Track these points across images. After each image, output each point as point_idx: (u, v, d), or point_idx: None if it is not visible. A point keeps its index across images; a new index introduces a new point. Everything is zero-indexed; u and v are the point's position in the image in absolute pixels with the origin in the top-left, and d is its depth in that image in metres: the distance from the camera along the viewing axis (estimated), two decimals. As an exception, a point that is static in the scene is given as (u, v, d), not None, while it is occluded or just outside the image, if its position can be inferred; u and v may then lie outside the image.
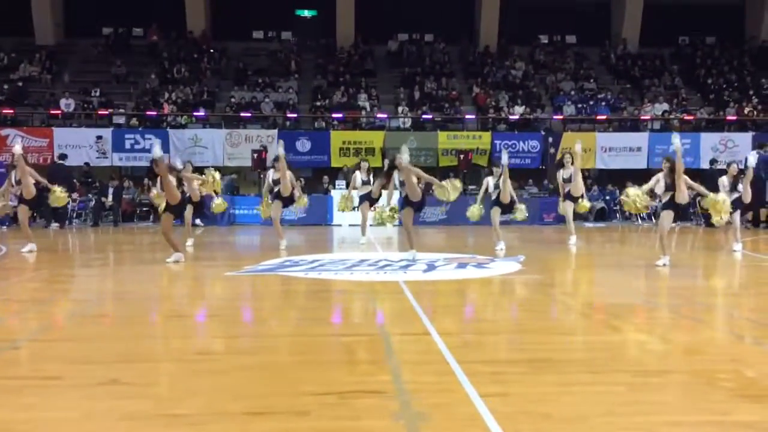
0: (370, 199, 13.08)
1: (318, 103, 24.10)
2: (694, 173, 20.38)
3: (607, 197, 21.71)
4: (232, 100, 23.87)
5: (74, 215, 19.55)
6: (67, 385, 3.88)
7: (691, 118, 23.94)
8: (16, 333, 5.46)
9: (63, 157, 19.50)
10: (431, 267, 9.35)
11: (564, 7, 28.56)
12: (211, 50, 26.81)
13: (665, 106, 24.28)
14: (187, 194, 11.07)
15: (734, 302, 7.26)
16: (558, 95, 25.29)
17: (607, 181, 22.40)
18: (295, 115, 23.52)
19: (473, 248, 11.55)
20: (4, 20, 27.11)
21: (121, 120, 22.64)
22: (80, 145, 21.19)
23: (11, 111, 22.17)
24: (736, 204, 11.38)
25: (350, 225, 17.96)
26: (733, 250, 11.33)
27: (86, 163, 20.77)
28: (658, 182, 9.78)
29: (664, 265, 9.22)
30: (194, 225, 17.19)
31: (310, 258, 10.54)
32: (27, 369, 4.22)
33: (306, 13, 29.54)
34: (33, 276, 9.08)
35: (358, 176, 13.52)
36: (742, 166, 12.25)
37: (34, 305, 6.87)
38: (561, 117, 23.85)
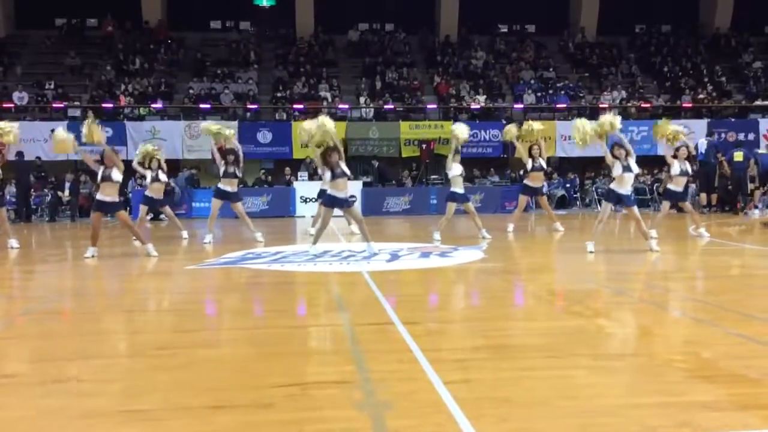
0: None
1: (279, 94, 23.89)
2: (651, 159, 20.82)
3: (568, 185, 21.99)
4: (191, 91, 23.52)
5: (30, 211, 19.09)
6: (22, 383, 3.79)
7: (648, 105, 24.36)
8: (-32, 332, 5.31)
9: (20, 154, 19.00)
10: (395, 257, 9.36)
11: (523, -4, 28.78)
12: (168, 41, 26.35)
13: (623, 94, 24.66)
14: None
15: (691, 285, 7.42)
16: (518, 84, 25.49)
17: (568, 170, 22.69)
18: (256, 107, 23.29)
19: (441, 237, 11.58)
20: (-49, 11, 26.33)
21: (77, 113, 22.11)
22: (34, 139, 20.64)
23: (-39, 105, 21.51)
24: (684, 190, 11.70)
25: (312, 216, 17.89)
26: (695, 235, 11.53)
27: (38, 158, 20.27)
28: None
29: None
30: (159, 219, 17.01)
31: (273, 250, 10.47)
32: (-20, 368, 4.10)
33: (264, 2, 29.15)
34: (-14, 273, 8.85)
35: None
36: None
37: (-13, 303, 6.70)
38: (521, 106, 24.05)
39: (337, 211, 10.17)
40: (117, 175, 9.63)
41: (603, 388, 3.59)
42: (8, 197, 17.31)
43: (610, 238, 10.61)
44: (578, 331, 4.86)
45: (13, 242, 11.31)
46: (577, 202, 21.99)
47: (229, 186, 11.91)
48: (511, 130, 13.62)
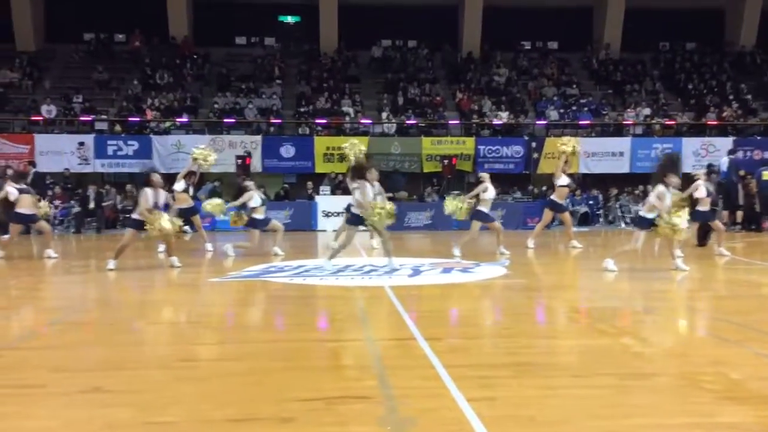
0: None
1: (302, 109, 24.06)
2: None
3: (591, 202, 21.84)
4: (215, 106, 23.77)
5: (56, 222, 19.34)
6: (48, 393, 3.82)
7: (672, 122, 24.17)
8: (-4, 341, 5.38)
9: (33, 164, 19.24)
10: (416, 272, 9.34)
11: (546, 13, 28.74)
12: (194, 56, 26.69)
13: (647, 111, 24.50)
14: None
15: (718, 305, 7.31)
16: (541, 101, 25.44)
17: (591, 186, 22.54)
18: (279, 121, 23.46)
19: (462, 253, 11.54)
20: (-17, 26, 26.90)
21: (104, 126, 22.44)
22: (62, 151, 20.99)
23: (-9, 117, 21.93)
24: (712, 210, 11.58)
25: (334, 230, 17.92)
26: (719, 254, 11.40)
27: (66, 169, 20.58)
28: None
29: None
30: (183, 232, 17.16)
31: (295, 264, 10.49)
32: (7, 377, 4.15)
33: (289, 18, 29.50)
34: (14, 283, 8.96)
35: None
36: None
37: (14, 313, 6.79)
38: (544, 122, 23.98)
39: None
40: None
41: (629, 408, 3.54)
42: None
43: (634, 257, 10.49)
44: (603, 350, 4.80)
45: (51, 252, 11.56)
46: (600, 219, 21.81)
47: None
48: (574, 144, 13.39)
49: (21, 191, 11.61)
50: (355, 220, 9.62)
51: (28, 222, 12.03)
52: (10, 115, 22.72)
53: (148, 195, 9.82)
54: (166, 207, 10.21)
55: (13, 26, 26.49)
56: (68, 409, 3.54)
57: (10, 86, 24.33)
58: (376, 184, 9.59)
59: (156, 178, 9.96)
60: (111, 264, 9.72)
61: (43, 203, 12.19)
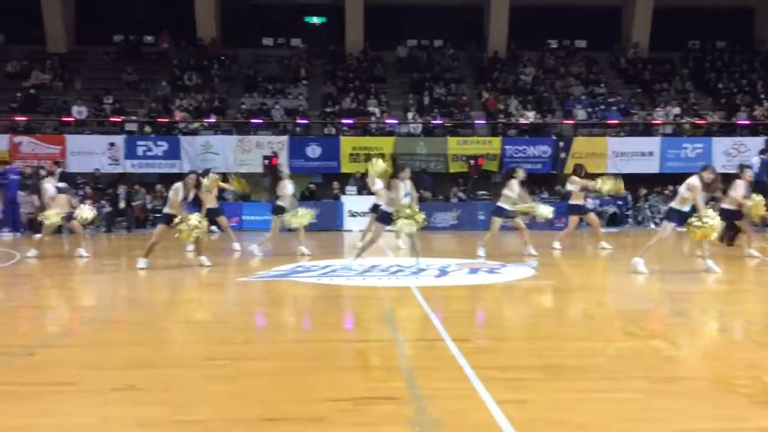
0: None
1: (328, 109, 24.14)
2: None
3: (619, 202, 21.61)
4: (243, 106, 23.95)
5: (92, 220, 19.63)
6: (83, 391, 3.88)
7: (702, 122, 23.82)
8: (31, 339, 5.47)
9: (59, 164, 19.52)
10: (443, 272, 9.32)
11: (573, 11, 28.50)
12: (222, 57, 26.92)
13: (677, 111, 24.18)
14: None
15: (750, 307, 7.18)
16: (568, 100, 25.23)
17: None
18: (305, 121, 23.57)
19: (485, 253, 11.49)
20: (16, 28, 27.41)
21: (134, 127, 22.74)
22: (92, 151, 21.31)
23: (24, 118, 22.33)
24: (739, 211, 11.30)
25: (360, 230, 17.96)
26: (749, 256, 11.20)
27: (96, 169, 20.88)
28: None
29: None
30: (210, 231, 17.36)
31: (322, 264, 10.53)
32: (42, 375, 4.22)
33: (315, 19, 29.62)
34: (47, 282, 9.11)
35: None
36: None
37: (48, 311, 6.90)
38: (572, 122, 23.78)
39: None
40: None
41: (661, 412, 3.50)
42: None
43: (664, 258, 10.36)
44: (634, 353, 4.75)
45: (82, 251, 11.72)
46: (629, 220, 21.56)
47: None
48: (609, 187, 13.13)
49: (60, 190, 11.79)
50: (383, 218, 9.63)
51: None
52: (42, 116, 23.11)
53: (179, 189, 9.94)
54: (197, 207, 10.30)
55: (44, 28, 26.97)
56: (102, 407, 3.59)
57: (41, 87, 24.75)
58: (408, 182, 9.57)
59: (190, 179, 10.07)
60: (141, 263, 9.84)
61: (85, 208, 12.16)
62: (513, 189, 11.68)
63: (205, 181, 12.23)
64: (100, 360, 4.65)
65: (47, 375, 4.22)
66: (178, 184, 10.04)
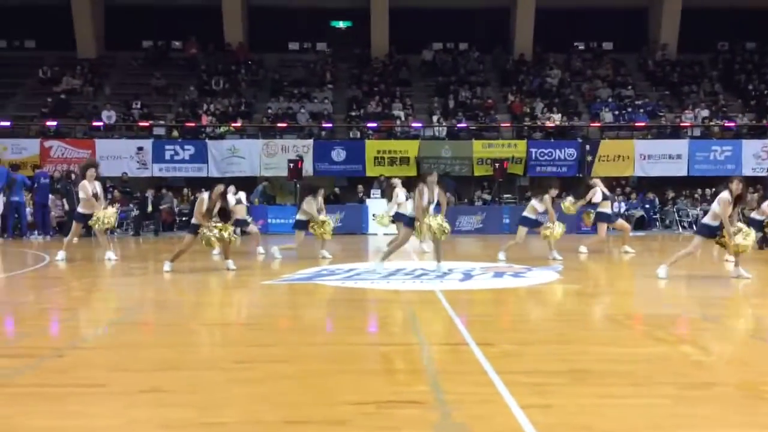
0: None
1: (353, 113, 24.22)
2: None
3: (647, 205, 21.37)
4: (269, 110, 24.12)
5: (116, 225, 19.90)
6: (110, 393, 3.93)
7: (732, 124, 23.47)
8: (59, 341, 5.56)
9: (16, 168, 19.57)
10: (467, 276, 9.29)
11: (600, 13, 28.28)
12: (248, 62, 27.15)
13: (705, 113, 23.85)
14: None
15: (781, 313, 7.06)
16: (595, 102, 25.02)
17: (647, 189, 22.06)
18: (330, 125, 23.67)
19: (509, 257, 11.44)
20: (47, 34, 27.91)
21: (161, 131, 23.02)
22: (121, 156, 21.61)
23: (55, 123, 22.73)
24: None
25: (385, 234, 17.98)
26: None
27: (124, 173, 21.17)
28: None
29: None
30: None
31: (347, 267, 10.56)
32: (71, 377, 4.28)
33: (341, 24, 29.76)
34: (76, 284, 9.25)
35: (401, 193, 12.89)
36: None
37: (77, 313, 7.01)
38: (598, 124, 23.57)
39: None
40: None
41: (689, 418, 3.45)
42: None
43: (692, 263, 10.21)
44: (662, 358, 4.69)
45: (111, 254, 11.80)
46: (657, 223, 21.30)
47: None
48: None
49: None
50: (410, 224, 9.62)
51: (88, 222, 12.16)
52: (72, 121, 23.49)
53: (204, 199, 10.04)
54: (226, 215, 10.35)
55: (75, 34, 27.44)
56: (129, 409, 3.64)
57: (72, 92, 25.17)
58: (436, 189, 9.49)
59: (217, 190, 10.12)
60: (167, 266, 9.95)
61: (111, 211, 11.97)
62: (544, 203, 11.67)
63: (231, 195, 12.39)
64: (128, 362, 4.71)
65: (75, 377, 4.29)
66: (204, 195, 10.11)
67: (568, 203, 13.08)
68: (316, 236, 12.20)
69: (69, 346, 5.21)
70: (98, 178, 12.06)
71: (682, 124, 23.44)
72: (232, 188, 12.73)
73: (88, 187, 11.58)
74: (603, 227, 12.88)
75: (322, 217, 12.09)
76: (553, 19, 27.62)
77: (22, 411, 3.58)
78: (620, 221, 13.51)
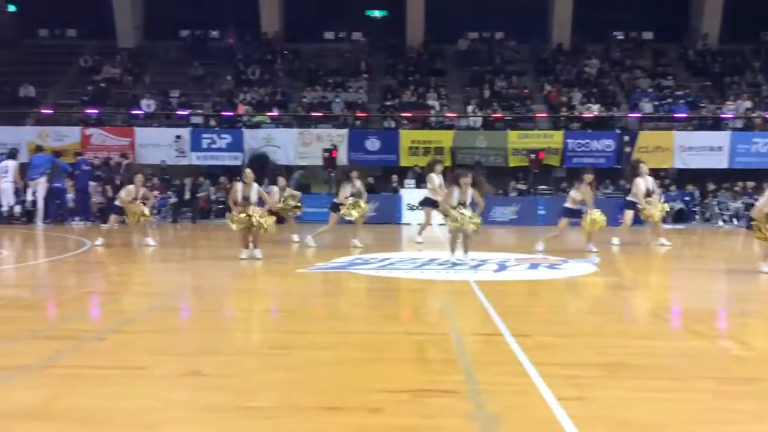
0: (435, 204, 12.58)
1: (387, 103, 24.19)
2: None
3: (686, 198, 20.98)
4: (304, 100, 24.22)
5: (154, 212, 20.22)
6: (150, 375, 4.02)
7: (775, 116, 22.88)
8: (101, 324, 5.69)
9: (125, 156, 19.91)
10: (502, 267, 9.25)
11: (641, 2, 27.74)
12: (284, 51, 27.28)
13: (748, 104, 23.28)
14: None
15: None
16: (634, 93, 24.60)
17: (687, 181, 21.65)
18: (365, 115, 23.68)
19: (545, 248, 11.35)
20: (88, 23, 28.40)
21: (199, 120, 23.30)
22: (159, 144, 21.92)
23: (95, 111, 23.15)
24: None
25: (418, 224, 17.99)
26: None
27: (162, 161, 21.47)
28: None
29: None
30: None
31: (381, 256, 10.58)
32: (112, 359, 4.38)
33: (376, 13, 29.70)
34: (116, 270, 9.44)
35: (435, 178, 12.93)
36: None
37: (117, 298, 7.16)
38: (638, 115, 23.18)
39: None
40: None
41: (729, 413, 3.40)
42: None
43: (732, 257, 10.03)
44: (701, 353, 4.62)
45: (150, 241, 12.02)
46: (696, 217, 20.91)
47: None
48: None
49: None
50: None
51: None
52: (112, 109, 23.90)
53: (237, 188, 10.12)
54: (261, 203, 10.42)
55: (115, 24, 27.86)
56: (169, 391, 3.71)
57: (112, 81, 25.57)
58: (469, 191, 9.46)
59: (248, 173, 10.19)
60: (244, 254, 9.96)
61: (145, 209, 11.93)
62: (581, 191, 11.53)
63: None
64: (167, 346, 4.80)
65: (117, 359, 4.38)
66: (239, 185, 10.16)
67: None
68: (344, 215, 12.13)
69: (110, 329, 5.32)
70: (144, 185, 12.27)
71: (723, 116, 22.92)
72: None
73: (132, 192, 11.83)
74: (629, 214, 12.77)
75: (352, 200, 12.01)
76: (592, 7, 27.16)
77: (65, 392, 3.67)
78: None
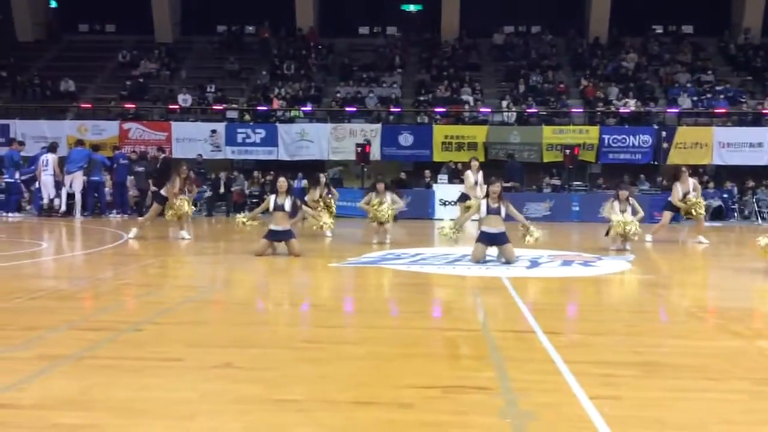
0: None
1: (421, 98, 24.15)
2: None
3: (725, 195, 20.56)
4: (338, 95, 24.31)
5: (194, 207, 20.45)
6: (185, 367, 4.08)
7: (818, 112, 22.30)
8: (137, 316, 5.79)
9: (162, 150, 20.18)
10: (534, 264, 9.18)
11: (680, -5, 27.29)
12: (319, 46, 27.39)
13: (790, 100, 22.73)
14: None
15: None
16: (672, 87, 24.17)
17: (725, 178, 21.22)
18: (399, 110, 23.68)
19: (579, 246, 11.25)
20: (127, 19, 28.88)
21: (234, 115, 23.54)
22: (195, 138, 22.21)
23: (133, 105, 23.54)
24: None
25: (451, 220, 17.91)
26: None
27: (199, 155, 21.74)
28: None
29: None
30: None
31: (413, 251, 10.58)
32: (148, 350, 4.46)
33: (411, 7, 29.65)
34: (152, 262, 9.59)
35: (470, 176, 13.22)
36: None
37: (153, 290, 7.27)
38: (676, 110, 22.78)
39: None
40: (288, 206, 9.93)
41: (765, 414, 3.34)
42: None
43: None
44: (738, 353, 4.54)
45: (185, 234, 12.18)
46: (735, 214, 20.48)
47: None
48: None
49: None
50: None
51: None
52: (150, 104, 24.27)
53: (270, 200, 10.14)
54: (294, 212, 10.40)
55: (153, 19, 28.26)
56: (203, 383, 3.77)
57: (149, 76, 25.98)
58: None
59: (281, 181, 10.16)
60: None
61: (184, 204, 12.03)
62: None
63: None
64: (202, 338, 4.87)
65: (152, 351, 4.45)
66: (272, 196, 10.07)
67: None
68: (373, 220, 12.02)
69: (146, 321, 5.42)
70: (188, 177, 12.43)
71: (764, 111, 22.40)
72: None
73: (176, 185, 11.98)
74: (668, 214, 12.83)
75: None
76: (631, 1, 26.75)
77: (101, 382, 3.74)
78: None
